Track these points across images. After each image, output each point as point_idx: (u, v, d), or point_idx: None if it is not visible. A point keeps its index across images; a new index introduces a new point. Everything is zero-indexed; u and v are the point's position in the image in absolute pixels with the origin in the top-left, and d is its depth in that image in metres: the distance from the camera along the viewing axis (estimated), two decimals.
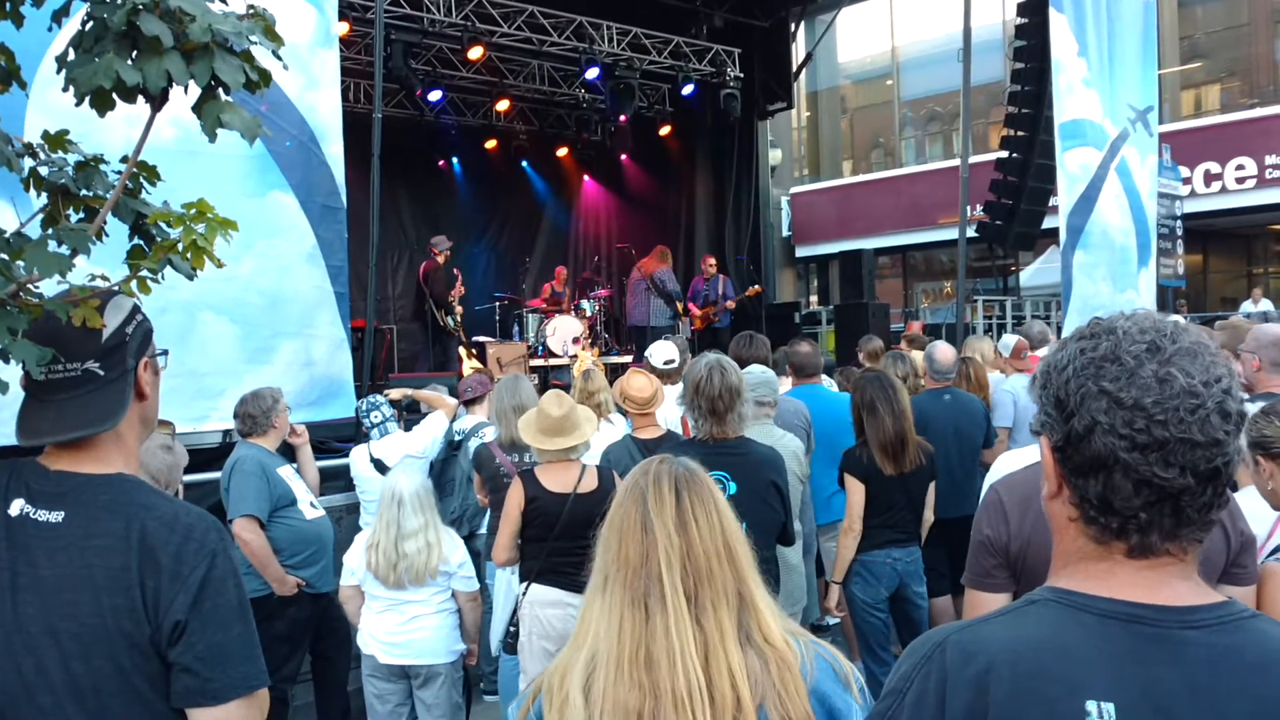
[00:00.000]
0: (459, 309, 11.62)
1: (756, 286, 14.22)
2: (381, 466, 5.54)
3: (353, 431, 6.73)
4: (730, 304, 13.07)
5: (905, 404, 4.71)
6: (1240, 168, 16.68)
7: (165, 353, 1.91)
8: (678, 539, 1.65)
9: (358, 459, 5.70)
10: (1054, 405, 1.19)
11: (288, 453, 5.28)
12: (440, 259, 11.35)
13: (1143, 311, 1.20)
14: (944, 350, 5.89)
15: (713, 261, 13.37)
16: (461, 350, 11.89)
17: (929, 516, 4.89)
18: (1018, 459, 3.35)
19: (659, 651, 1.59)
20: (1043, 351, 6.64)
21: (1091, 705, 1.09)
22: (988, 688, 1.12)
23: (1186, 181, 16.21)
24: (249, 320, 6.03)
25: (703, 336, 12.74)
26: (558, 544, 3.97)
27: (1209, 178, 16.96)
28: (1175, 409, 1.10)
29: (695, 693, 1.56)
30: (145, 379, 1.82)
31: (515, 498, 4.05)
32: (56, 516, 1.67)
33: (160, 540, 1.65)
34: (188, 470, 5.62)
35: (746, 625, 1.64)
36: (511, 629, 4.27)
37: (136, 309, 1.81)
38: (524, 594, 4.09)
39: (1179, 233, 14.49)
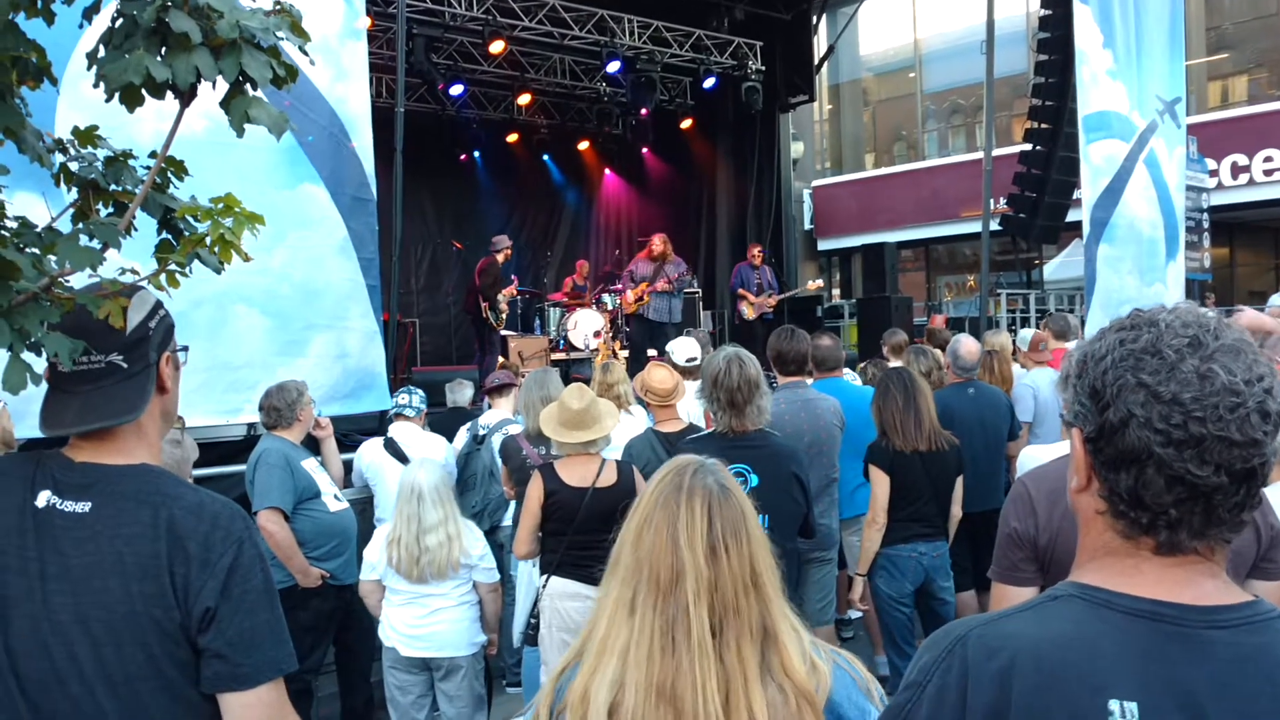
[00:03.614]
0: (504, 307, 11.69)
1: (818, 282, 14.23)
2: (394, 447, 5.56)
3: (377, 425, 6.76)
4: (787, 291, 13.04)
5: (922, 386, 4.71)
6: (1268, 159, 16.49)
7: (186, 348, 1.93)
8: (707, 571, 1.64)
9: (367, 452, 5.73)
10: (1089, 396, 1.17)
11: (312, 445, 5.31)
12: (500, 258, 11.38)
13: (1185, 305, 1.17)
14: (968, 344, 5.86)
15: (759, 249, 13.07)
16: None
17: (957, 512, 4.85)
18: (1045, 452, 3.34)
19: (683, 686, 1.59)
20: (1071, 344, 6.60)
21: (1114, 704, 1.08)
22: (1010, 684, 1.11)
23: (1213, 174, 16.04)
24: (281, 313, 6.03)
25: (751, 328, 12.46)
26: (577, 537, 3.98)
27: (1236, 170, 16.77)
28: (1215, 406, 1.08)
29: None
30: (167, 373, 1.84)
31: (535, 491, 4.06)
32: (84, 507, 1.69)
33: (188, 528, 1.67)
34: (212, 463, 5.70)
35: (769, 660, 1.64)
36: (532, 621, 4.28)
37: (159, 304, 1.83)
38: (544, 587, 4.10)
39: (1205, 225, 14.36)
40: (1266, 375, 1.11)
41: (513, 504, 5.16)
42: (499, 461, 5.36)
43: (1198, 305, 1.20)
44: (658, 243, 11.45)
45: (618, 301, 12.67)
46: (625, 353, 11.82)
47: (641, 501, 1.76)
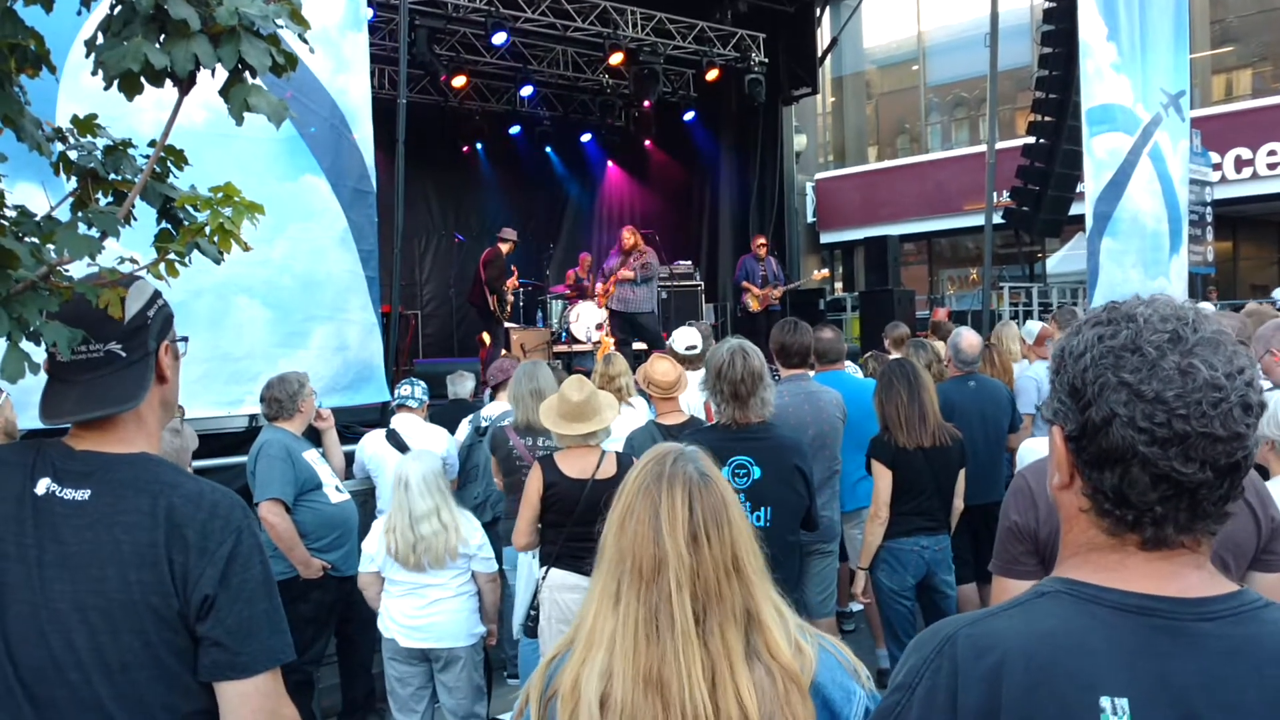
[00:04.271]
0: (510, 298, 11.70)
1: (824, 271, 14.11)
2: (396, 438, 5.57)
3: (378, 416, 6.76)
4: (788, 287, 12.83)
5: (926, 380, 4.70)
6: (1272, 153, 16.44)
7: (185, 339, 1.93)
8: (689, 558, 1.64)
9: (369, 443, 5.73)
10: (1069, 394, 1.15)
11: (313, 437, 5.31)
12: (504, 248, 11.39)
13: (1163, 297, 1.16)
14: (969, 338, 5.86)
15: (763, 241, 12.97)
16: (485, 336, 11.92)
17: (959, 504, 4.85)
18: (1045, 445, 3.33)
19: (669, 674, 1.60)
20: None
21: (1105, 701, 1.07)
22: (1000, 683, 1.10)
23: (1217, 168, 16.02)
24: (282, 304, 6.02)
25: (754, 320, 12.40)
26: (576, 529, 3.98)
27: (1240, 164, 16.74)
28: (1198, 403, 1.07)
29: (702, 716, 1.58)
30: (166, 362, 1.84)
31: (534, 483, 4.06)
32: (83, 494, 1.68)
33: (187, 516, 1.67)
34: (214, 454, 5.71)
35: (754, 643, 1.64)
36: (532, 612, 4.29)
37: (157, 294, 1.83)
38: (543, 578, 4.11)
39: (1209, 219, 14.34)
40: (1247, 367, 1.10)
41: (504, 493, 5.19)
42: None
43: (1185, 298, 1.19)
44: (626, 235, 11.44)
45: None
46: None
47: (623, 491, 1.76)
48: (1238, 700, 1.07)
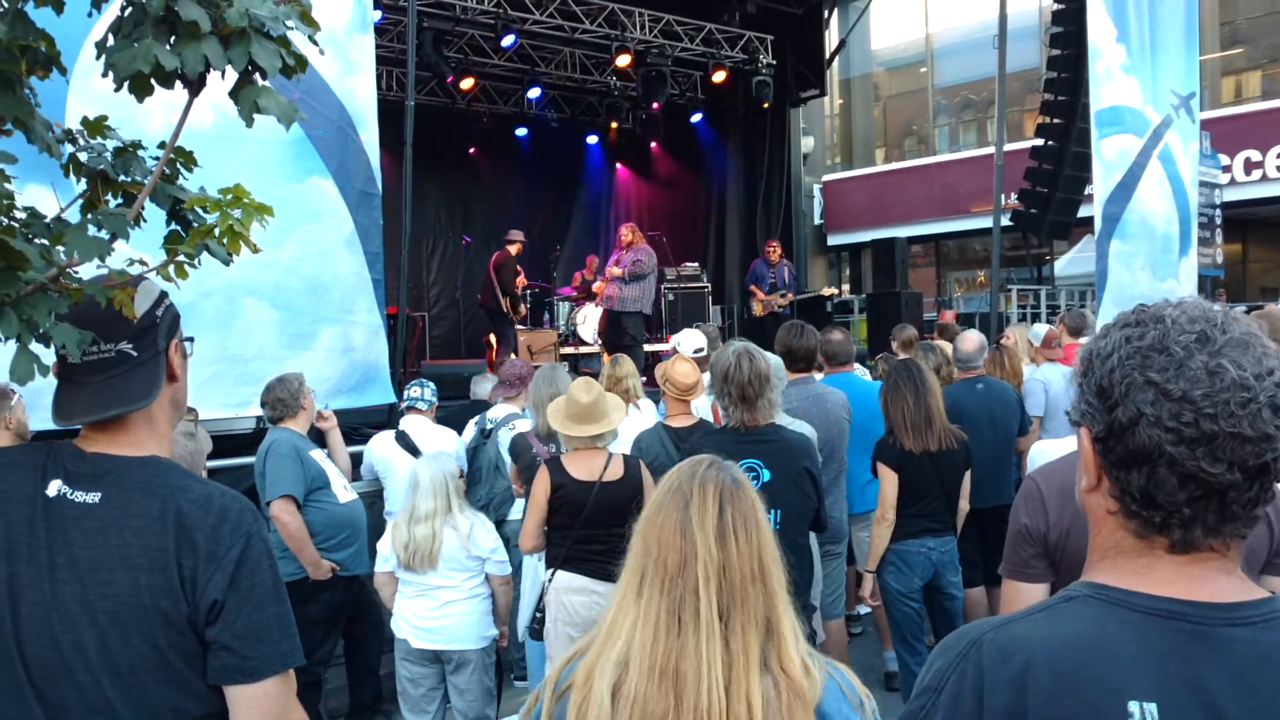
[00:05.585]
0: (523, 306, 11.71)
1: (834, 289, 14.08)
2: (405, 440, 5.57)
3: (385, 418, 6.77)
4: (791, 296, 12.73)
5: (932, 384, 4.69)
6: None
7: (192, 339, 1.94)
8: (717, 553, 1.65)
9: (378, 445, 5.73)
10: (1096, 394, 1.15)
11: (317, 438, 5.31)
12: (513, 250, 11.42)
13: (1191, 300, 1.16)
14: (967, 339, 5.85)
15: (774, 245, 12.87)
16: (493, 337, 11.93)
17: (964, 506, 4.85)
18: (1056, 448, 3.32)
19: (687, 667, 1.60)
20: (1084, 340, 6.57)
21: (1134, 706, 1.06)
22: (1027, 686, 1.10)
23: (1226, 169, 15.94)
24: (290, 306, 6.03)
25: (761, 324, 12.30)
26: (583, 532, 3.98)
27: (1250, 165, 16.67)
28: (1226, 402, 1.06)
29: (715, 713, 1.57)
30: (176, 361, 1.85)
31: (541, 485, 4.06)
32: (93, 498, 1.68)
33: (196, 521, 1.67)
34: (222, 455, 5.71)
35: (767, 652, 1.65)
36: (538, 615, 4.28)
37: (164, 294, 1.84)
38: (550, 581, 4.10)
39: (1218, 221, 14.28)
40: (1276, 369, 1.09)
41: (520, 499, 5.16)
42: (505, 456, 5.35)
43: (1204, 299, 1.18)
44: (624, 233, 11.40)
45: None
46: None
47: (656, 493, 1.78)
48: (1268, 707, 1.07)
